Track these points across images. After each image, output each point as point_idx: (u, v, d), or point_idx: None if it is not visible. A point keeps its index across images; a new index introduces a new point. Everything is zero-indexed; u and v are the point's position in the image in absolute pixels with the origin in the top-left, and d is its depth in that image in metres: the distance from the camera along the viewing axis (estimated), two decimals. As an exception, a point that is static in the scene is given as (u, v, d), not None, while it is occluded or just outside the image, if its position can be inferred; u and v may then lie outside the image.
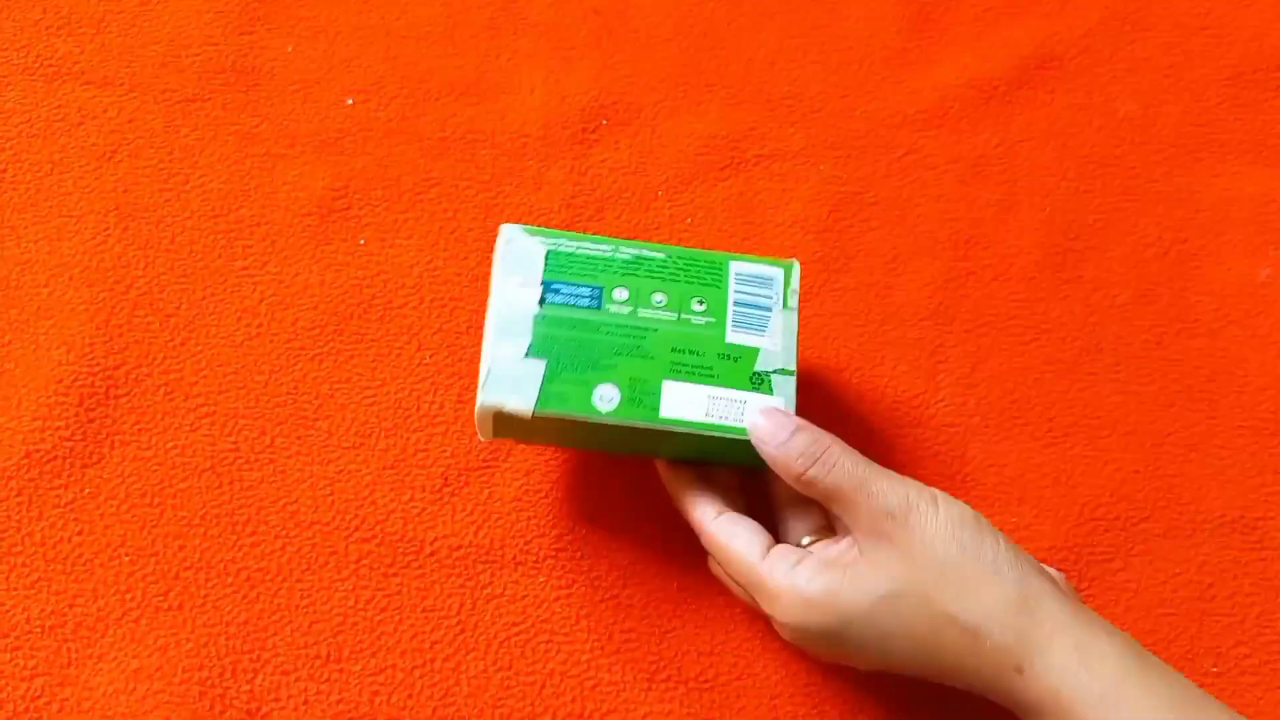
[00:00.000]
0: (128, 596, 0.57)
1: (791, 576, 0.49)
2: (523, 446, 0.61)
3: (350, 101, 0.68)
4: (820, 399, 0.62)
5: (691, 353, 0.54)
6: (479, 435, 0.55)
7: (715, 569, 0.55)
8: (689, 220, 0.67)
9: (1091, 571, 0.60)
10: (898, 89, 0.70)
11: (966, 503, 0.49)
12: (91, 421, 0.60)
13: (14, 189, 0.65)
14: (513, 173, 0.67)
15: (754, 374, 0.54)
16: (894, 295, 0.65)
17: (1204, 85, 0.71)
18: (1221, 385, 0.64)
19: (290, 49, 0.69)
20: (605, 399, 0.53)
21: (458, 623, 0.58)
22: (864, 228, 0.67)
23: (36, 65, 0.67)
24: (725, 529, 0.52)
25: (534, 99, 0.69)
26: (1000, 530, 0.49)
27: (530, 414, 0.52)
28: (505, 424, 0.54)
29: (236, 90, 0.68)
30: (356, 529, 0.59)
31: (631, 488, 0.60)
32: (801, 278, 0.57)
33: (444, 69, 0.69)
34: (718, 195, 0.67)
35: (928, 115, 0.70)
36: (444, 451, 0.61)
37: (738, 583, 0.52)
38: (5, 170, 0.65)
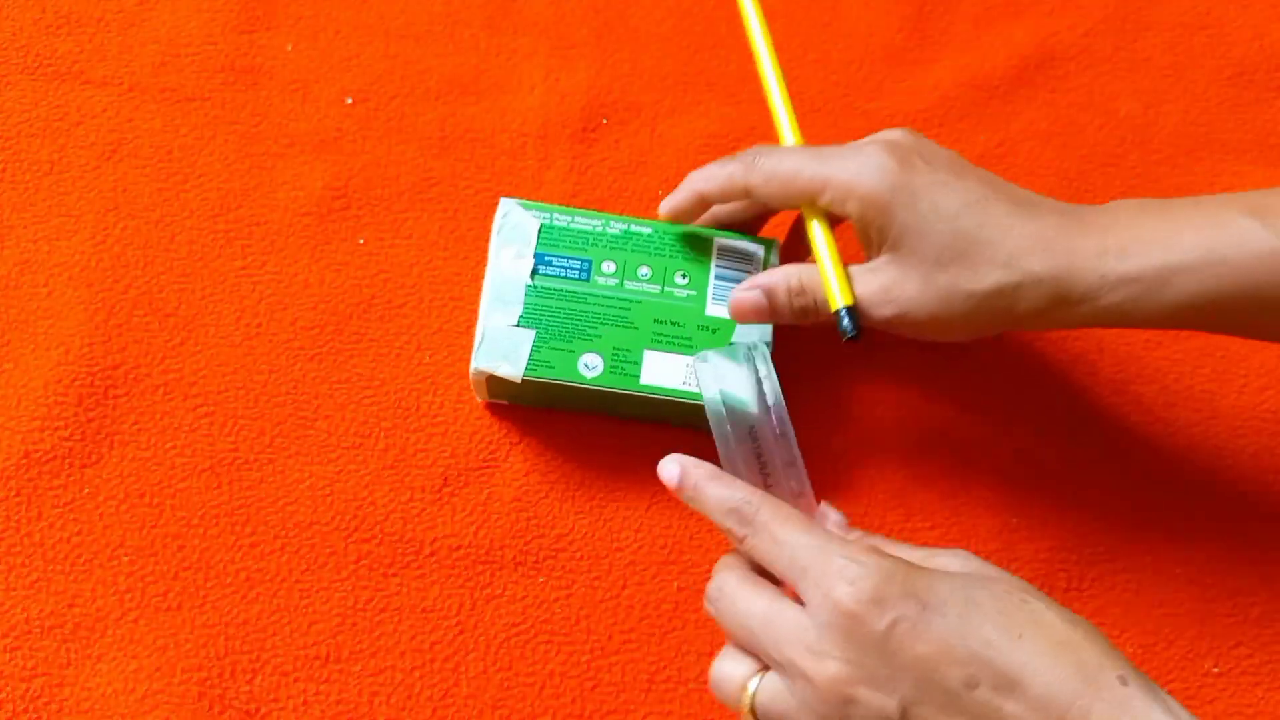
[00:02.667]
0: (127, 596, 0.57)
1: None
2: (522, 447, 0.61)
3: (349, 101, 0.68)
4: (820, 399, 0.62)
5: (673, 324, 0.58)
6: (475, 396, 0.60)
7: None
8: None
9: (1092, 572, 0.60)
10: (898, 88, 0.70)
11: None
12: (90, 421, 0.60)
13: (13, 189, 0.64)
14: (512, 172, 0.67)
15: (731, 346, 0.57)
16: (894, 295, 0.65)
17: (1204, 85, 0.71)
18: (1221, 385, 0.64)
19: (289, 48, 0.69)
20: (590, 366, 0.57)
21: (457, 623, 0.58)
22: (864, 227, 0.67)
23: (36, 65, 0.67)
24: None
25: (533, 98, 0.69)
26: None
27: (519, 379, 0.56)
28: (498, 386, 0.58)
29: (235, 90, 0.68)
30: (356, 529, 0.59)
31: (632, 487, 0.60)
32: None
33: (443, 68, 0.69)
34: (718, 195, 0.67)
35: (928, 115, 0.70)
36: (444, 451, 0.61)
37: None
38: (4, 170, 0.65)
